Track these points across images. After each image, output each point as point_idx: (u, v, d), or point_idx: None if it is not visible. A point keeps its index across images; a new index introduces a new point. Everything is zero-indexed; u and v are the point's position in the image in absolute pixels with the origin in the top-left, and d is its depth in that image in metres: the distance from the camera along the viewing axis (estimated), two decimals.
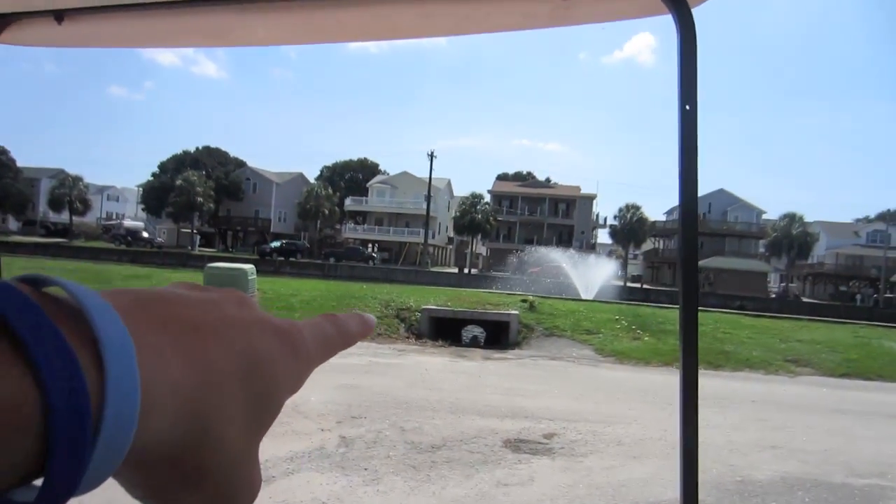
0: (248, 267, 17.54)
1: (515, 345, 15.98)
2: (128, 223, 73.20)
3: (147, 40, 1.45)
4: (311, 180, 78.77)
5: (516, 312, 17.01)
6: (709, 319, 18.39)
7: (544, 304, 18.37)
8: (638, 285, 57.23)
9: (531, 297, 18.68)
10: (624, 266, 60.78)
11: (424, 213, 64.62)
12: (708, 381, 12.21)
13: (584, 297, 29.44)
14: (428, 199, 64.72)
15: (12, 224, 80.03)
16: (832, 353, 15.10)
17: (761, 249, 67.90)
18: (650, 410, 9.30)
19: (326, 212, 69.35)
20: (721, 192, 74.45)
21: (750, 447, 7.34)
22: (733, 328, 17.24)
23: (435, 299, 18.04)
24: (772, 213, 69.83)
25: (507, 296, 19.83)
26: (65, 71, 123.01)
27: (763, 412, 9.48)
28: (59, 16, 1.17)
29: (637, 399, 10.15)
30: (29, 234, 74.19)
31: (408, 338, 15.90)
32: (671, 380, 12.29)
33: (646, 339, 15.82)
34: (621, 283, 50.02)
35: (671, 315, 18.66)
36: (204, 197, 67.48)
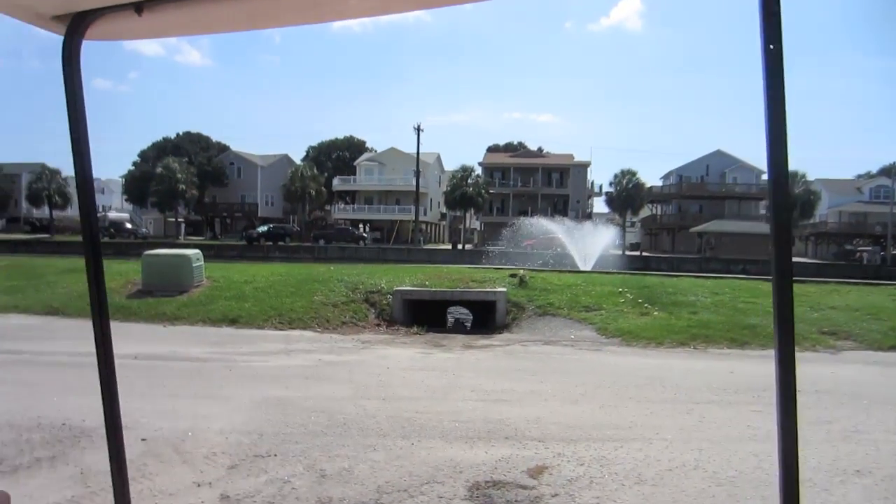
0: (193, 252, 15.21)
1: (504, 327, 13.71)
2: (112, 215, 71.51)
3: (226, 24, 1.33)
4: (298, 162, 76.19)
5: (504, 290, 14.72)
6: (724, 287, 16.13)
7: (536, 279, 16.07)
8: (637, 253, 55.08)
9: (521, 271, 16.37)
10: (622, 234, 58.54)
11: (414, 189, 62.27)
12: (737, 364, 9.99)
13: (581, 268, 27.16)
14: (417, 174, 62.37)
15: None
16: (874, 321, 12.85)
17: (762, 211, 65.66)
18: (672, 414, 7.06)
19: (313, 192, 66.97)
20: (718, 153, 72.21)
21: (828, 474, 5.09)
22: (754, 296, 14.96)
23: (411, 278, 15.73)
24: None
25: (495, 271, 17.52)
26: (48, 66, 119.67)
27: (819, 409, 7.23)
28: (138, 7, 1.17)
29: (653, 396, 7.91)
30: (13, 231, 72.12)
31: (378, 325, 13.62)
32: (690, 365, 10.05)
33: (655, 313, 13.55)
34: (620, 252, 47.94)
35: (682, 284, 16.40)
36: (186, 184, 65.21)
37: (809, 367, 9.60)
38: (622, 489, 4.79)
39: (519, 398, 7.66)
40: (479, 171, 66.87)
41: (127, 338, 10.79)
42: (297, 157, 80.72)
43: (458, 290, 15.08)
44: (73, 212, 74.35)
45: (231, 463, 5.24)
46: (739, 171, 70.56)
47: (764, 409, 7.15)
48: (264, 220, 67.74)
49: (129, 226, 63.96)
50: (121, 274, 16.17)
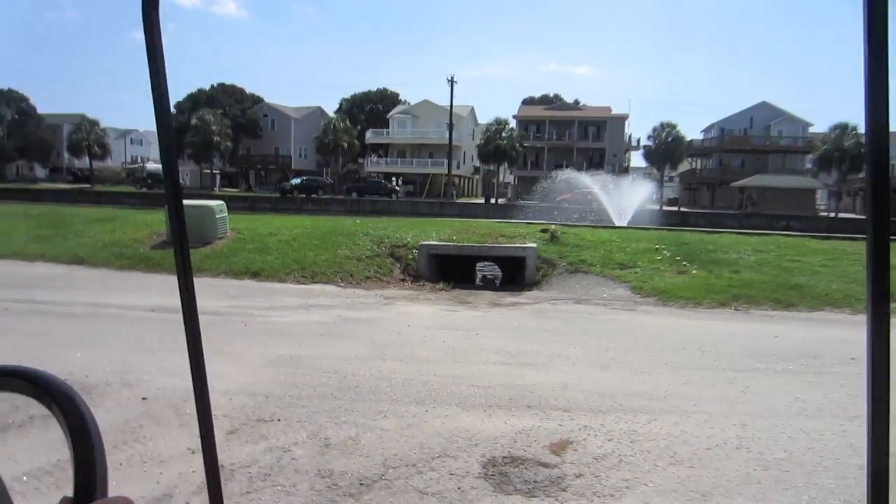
0: (216, 204, 14.92)
1: (533, 285, 13.20)
2: (150, 166, 72.21)
3: None
4: (331, 114, 75.52)
5: (534, 246, 14.14)
6: (769, 244, 15.28)
7: (569, 234, 15.43)
8: (675, 208, 53.46)
9: (553, 227, 15.74)
10: (660, 189, 56.85)
11: (447, 142, 61.24)
12: (783, 328, 9.31)
13: (617, 223, 26.29)
14: (450, 127, 61.22)
15: (39, 172, 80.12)
16: None
17: (808, 165, 62.91)
18: (712, 383, 6.51)
19: (346, 145, 66.38)
20: (763, 105, 69.06)
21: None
22: (801, 254, 14.11)
23: (438, 233, 15.24)
24: (818, 125, 64.10)
25: (526, 226, 16.91)
26: (87, 17, 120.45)
27: None
28: None
29: (690, 361, 7.35)
30: (56, 181, 73.82)
31: (403, 280, 13.24)
32: (731, 327, 9.41)
33: (693, 272, 12.85)
34: (657, 207, 46.60)
35: (722, 241, 15.58)
36: (221, 136, 65.19)
37: (860, 333, 8.88)
38: (655, 470, 4.30)
39: (545, 362, 7.19)
40: (513, 124, 65.24)
41: (147, 290, 10.61)
42: (331, 109, 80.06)
43: (486, 245, 14.55)
44: (112, 162, 75.72)
45: (231, 427, 4.90)
46: (785, 123, 67.56)
47: (814, 380, 6.55)
48: (298, 173, 67.69)
49: None
50: (146, 224, 16.04)
